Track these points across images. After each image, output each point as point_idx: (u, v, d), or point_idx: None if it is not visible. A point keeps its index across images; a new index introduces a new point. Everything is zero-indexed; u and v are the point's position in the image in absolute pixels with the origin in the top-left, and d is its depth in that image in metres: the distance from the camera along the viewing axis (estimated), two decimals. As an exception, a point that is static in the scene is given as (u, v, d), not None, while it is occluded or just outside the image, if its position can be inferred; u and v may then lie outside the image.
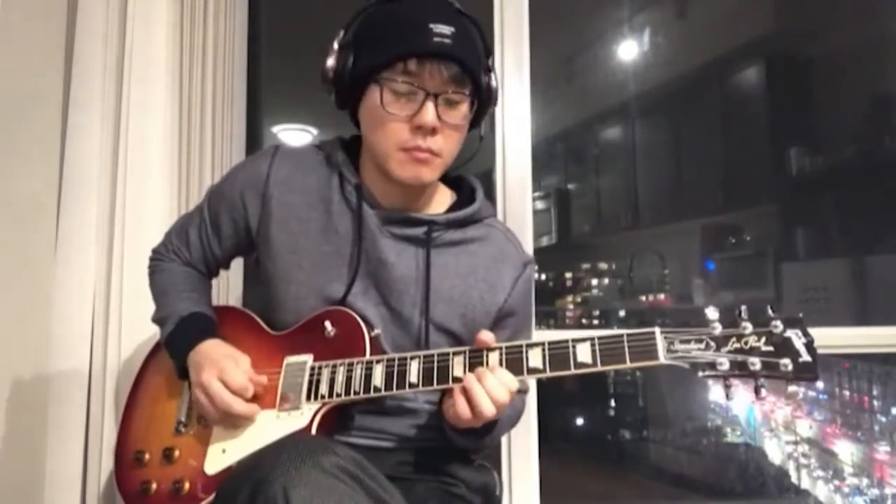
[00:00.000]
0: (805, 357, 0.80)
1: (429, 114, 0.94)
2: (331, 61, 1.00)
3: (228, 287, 1.52)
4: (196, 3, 1.55)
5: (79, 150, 1.51)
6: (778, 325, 0.81)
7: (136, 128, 1.49)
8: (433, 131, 0.95)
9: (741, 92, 2.58)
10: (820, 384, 2.49)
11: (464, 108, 0.98)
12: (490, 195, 1.66)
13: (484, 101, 1.03)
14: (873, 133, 2.32)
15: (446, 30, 0.93)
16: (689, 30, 2.45)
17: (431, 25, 0.92)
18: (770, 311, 0.82)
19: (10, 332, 1.37)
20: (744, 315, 0.83)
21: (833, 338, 1.68)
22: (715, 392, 2.54)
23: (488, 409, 0.86)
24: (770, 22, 2.47)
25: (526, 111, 1.66)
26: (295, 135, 2.03)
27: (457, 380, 0.90)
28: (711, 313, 0.84)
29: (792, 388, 0.81)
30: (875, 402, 2.32)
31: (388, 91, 0.95)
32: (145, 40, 1.51)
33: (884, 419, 2.30)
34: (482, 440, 1.00)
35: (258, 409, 0.98)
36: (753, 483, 2.40)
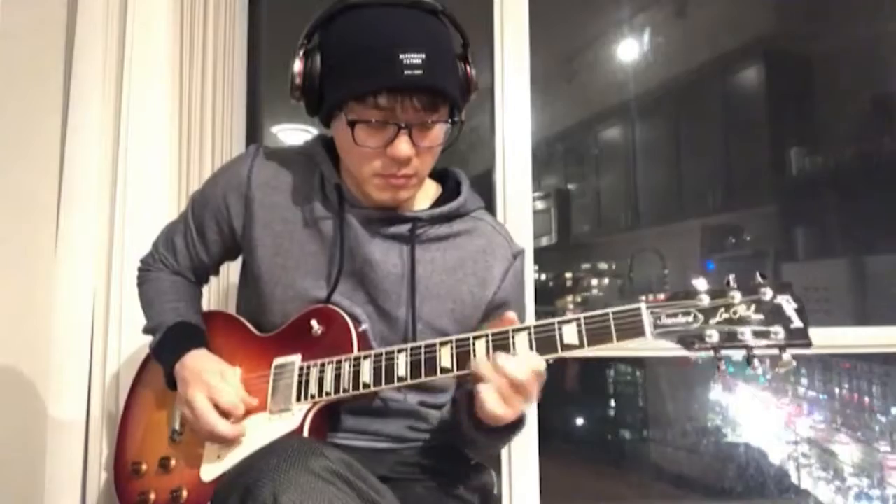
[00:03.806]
0: (797, 323, 0.77)
1: (402, 146, 0.90)
2: (297, 68, 0.94)
3: (228, 292, 1.52)
4: (196, 3, 1.55)
5: (79, 150, 1.51)
6: (767, 292, 0.79)
7: (136, 128, 1.49)
8: (408, 160, 0.93)
9: (741, 92, 2.58)
10: (820, 384, 2.50)
11: (438, 130, 0.94)
12: (490, 195, 1.66)
13: (462, 98, 0.97)
14: (873, 133, 2.32)
15: (416, 58, 0.86)
16: (689, 30, 2.45)
17: (402, 56, 0.86)
18: (759, 278, 0.80)
19: (10, 332, 1.37)
20: (732, 284, 0.80)
21: (833, 338, 1.68)
22: (716, 392, 2.54)
23: (520, 404, 0.83)
24: (770, 22, 2.47)
25: (526, 111, 1.66)
26: (295, 135, 2.04)
27: (445, 370, 0.88)
28: (700, 285, 0.81)
29: (786, 357, 0.78)
30: (875, 402, 2.32)
31: (359, 124, 0.91)
32: (145, 40, 1.51)
33: (884, 419, 2.30)
34: (511, 435, 0.96)
35: (243, 431, 0.96)
36: (753, 483, 2.40)
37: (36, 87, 1.47)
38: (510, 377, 0.82)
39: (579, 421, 2.69)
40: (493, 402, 0.83)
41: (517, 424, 0.91)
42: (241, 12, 1.67)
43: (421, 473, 1.04)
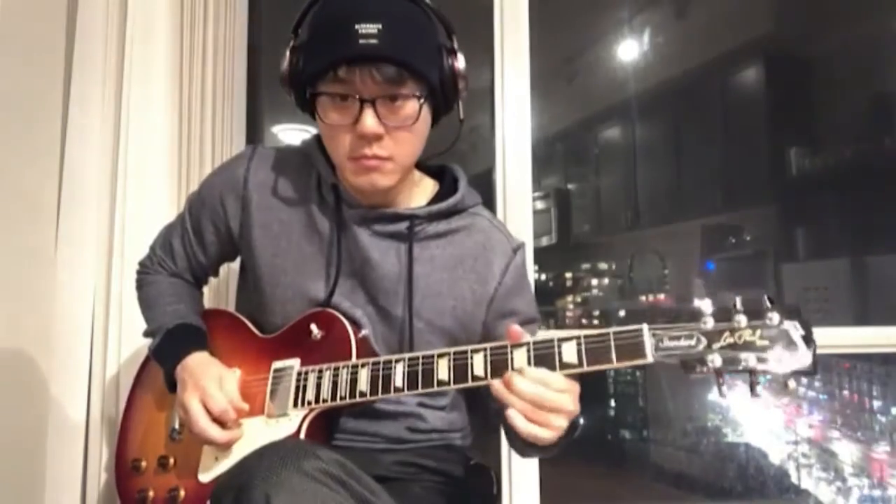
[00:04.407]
0: (802, 351, 0.75)
1: (367, 121, 0.89)
2: (284, 66, 0.95)
3: (228, 292, 1.52)
4: (196, 3, 1.55)
5: (79, 150, 1.51)
6: (773, 318, 0.77)
7: (136, 128, 1.49)
8: (378, 137, 0.91)
9: (741, 92, 2.58)
10: (820, 384, 2.50)
11: (409, 108, 0.91)
12: (490, 195, 1.66)
13: (444, 86, 0.95)
14: (873, 133, 2.32)
15: (372, 28, 0.85)
16: (689, 30, 2.44)
17: (357, 26, 0.85)
18: (766, 303, 0.77)
19: (10, 332, 1.37)
20: (738, 307, 0.78)
21: (833, 338, 1.68)
22: (716, 392, 2.54)
23: (557, 423, 0.81)
24: (770, 22, 2.47)
25: (526, 111, 1.66)
26: (295, 135, 2.03)
27: (441, 382, 0.87)
28: (705, 307, 0.79)
29: (790, 385, 0.76)
30: (875, 402, 2.32)
31: (325, 101, 0.91)
32: (145, 40, 1.51)
33: (884, 419, 2.31)
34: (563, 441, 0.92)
35: (237, 436, 0.96)
36: (753, 483, 2.40)
37: (36, 87, 1.47)
38: (525, 397, 0.81)
39: (579, 421, 2.68)
40: (520, 424, 0.81)
41: (567, 432, 0.87)
42: (241, 12, 1.67)
43: (419, 473, 1.04)
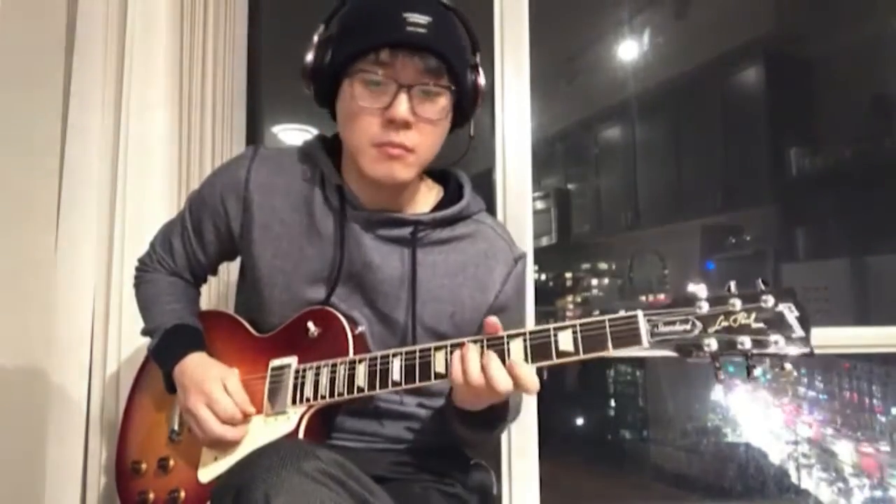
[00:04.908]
0: (798, 332, 0.75)
1: (401, 106, 0.90)
2: (309, 56, 0.97)
3: (228, 292, 1.52)
4: (196, 3, 1.55)
5: (79, 150, 1.51)
6: (768, 300, 0.76)
7: (136, 128, 1.49)
8: (406, 125, 0.92)
9: (741, 92, 2.58)
10: (820, 384, 2.50)
11: (441, 102, 0.94)
12: (490, 195, 1.66)
13: (467, 97, 0.98)
14: (873, 133, 2.32)
15: (422, 19, 0.89)
16: (689, 30, 2.45)
17: (406, 14, 0.89)
18: (761, 285, 0.77)
19: (10, 333, 1.37)
20: (733, 291, 0.78)
21: (833, 338, 1.68)
22: (716, 392, 2.54)
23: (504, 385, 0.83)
24: (770, 22, 2.47)
25: (526, 111, 1.66)
26: (295, 135, 2.03)
27: (439, 375, 0.88)
28: (700, 292, 0.79)
29: (787, 367, 0.76)
30: (875, 402, 2.32)
31: (359, 83, 0.92)
32: (145, 40, 1.51)
33: (884, 419, 2.30)
34: (491, 431, 0.98)
35: (246, 433, 0.97)
36: (753, 483, 2.40)
37: (36, 87, 1.47)
38: (487, 373, 0.83)
39: (579, 421, 2.69)
40: (457, 375, 0.85)
41: (499, 416, 0.93)
42: (241, 12, 1.67)
43: (419, 473, 1.04)
